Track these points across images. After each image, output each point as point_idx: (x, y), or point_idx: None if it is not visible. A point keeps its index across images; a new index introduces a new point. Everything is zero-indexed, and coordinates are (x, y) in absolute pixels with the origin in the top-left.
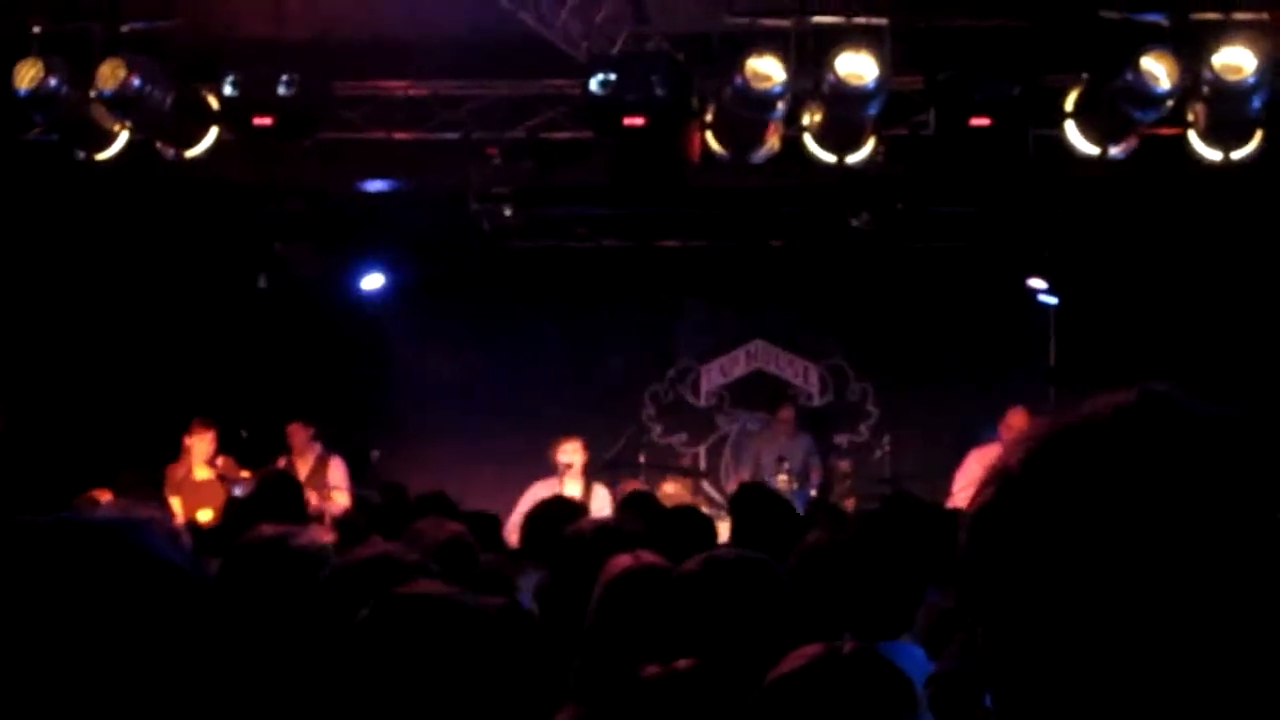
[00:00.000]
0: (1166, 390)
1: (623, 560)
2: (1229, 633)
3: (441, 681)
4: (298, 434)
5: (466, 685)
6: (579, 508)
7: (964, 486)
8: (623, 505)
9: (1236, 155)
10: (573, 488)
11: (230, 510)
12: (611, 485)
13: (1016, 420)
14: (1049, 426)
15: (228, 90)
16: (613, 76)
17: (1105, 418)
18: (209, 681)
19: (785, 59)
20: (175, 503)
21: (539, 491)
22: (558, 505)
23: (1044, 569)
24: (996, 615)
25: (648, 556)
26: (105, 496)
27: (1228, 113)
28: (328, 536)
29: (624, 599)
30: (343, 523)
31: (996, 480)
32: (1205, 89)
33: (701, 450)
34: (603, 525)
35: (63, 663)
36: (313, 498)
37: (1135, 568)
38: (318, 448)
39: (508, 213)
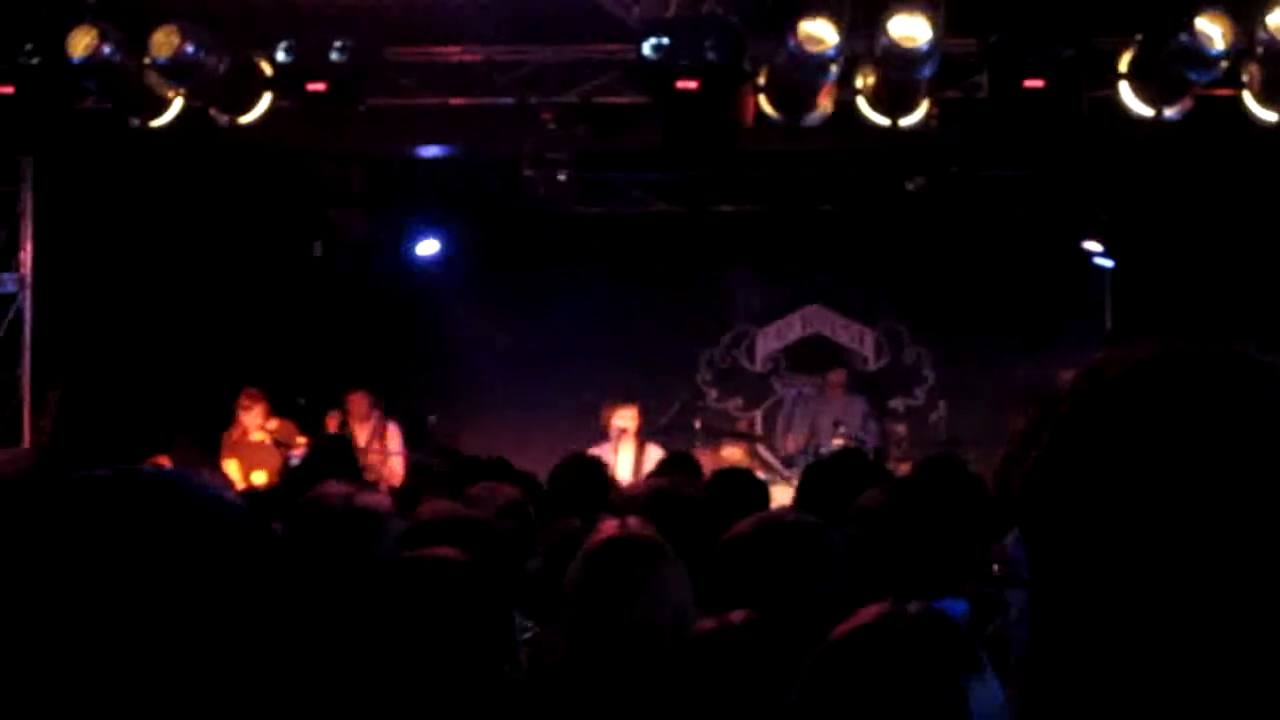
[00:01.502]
0: (1191, 344)
1: (610, 527)
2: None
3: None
4: (358, 402)
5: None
6: (602, 466)
7: None
8: (662, 468)
9: None
10: (626, 452)
11: (286, 475)
12: (666, 449)
13: None
14: (1093, 375)
15: (281, 56)
16: (666, 40)
17: (1151, 362)
18: (275, 623)
19: (838, 21)
20: (231, 466)
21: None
22: (579, 464)
23: (1102, 518)
24: (1054, 567)
25: (636, 525)
26: (162, 462)
27: None
28: (386, 502)
29: (610, 568)
30: (400, 490)
31: (1049, 429)
32: (1260, 49)
33: (757, 415)
34: (655, 489)
35: (133, 607)
36: (372, 462)
37: (1193, 511)
38: (378, 414)
39: (562, 178)
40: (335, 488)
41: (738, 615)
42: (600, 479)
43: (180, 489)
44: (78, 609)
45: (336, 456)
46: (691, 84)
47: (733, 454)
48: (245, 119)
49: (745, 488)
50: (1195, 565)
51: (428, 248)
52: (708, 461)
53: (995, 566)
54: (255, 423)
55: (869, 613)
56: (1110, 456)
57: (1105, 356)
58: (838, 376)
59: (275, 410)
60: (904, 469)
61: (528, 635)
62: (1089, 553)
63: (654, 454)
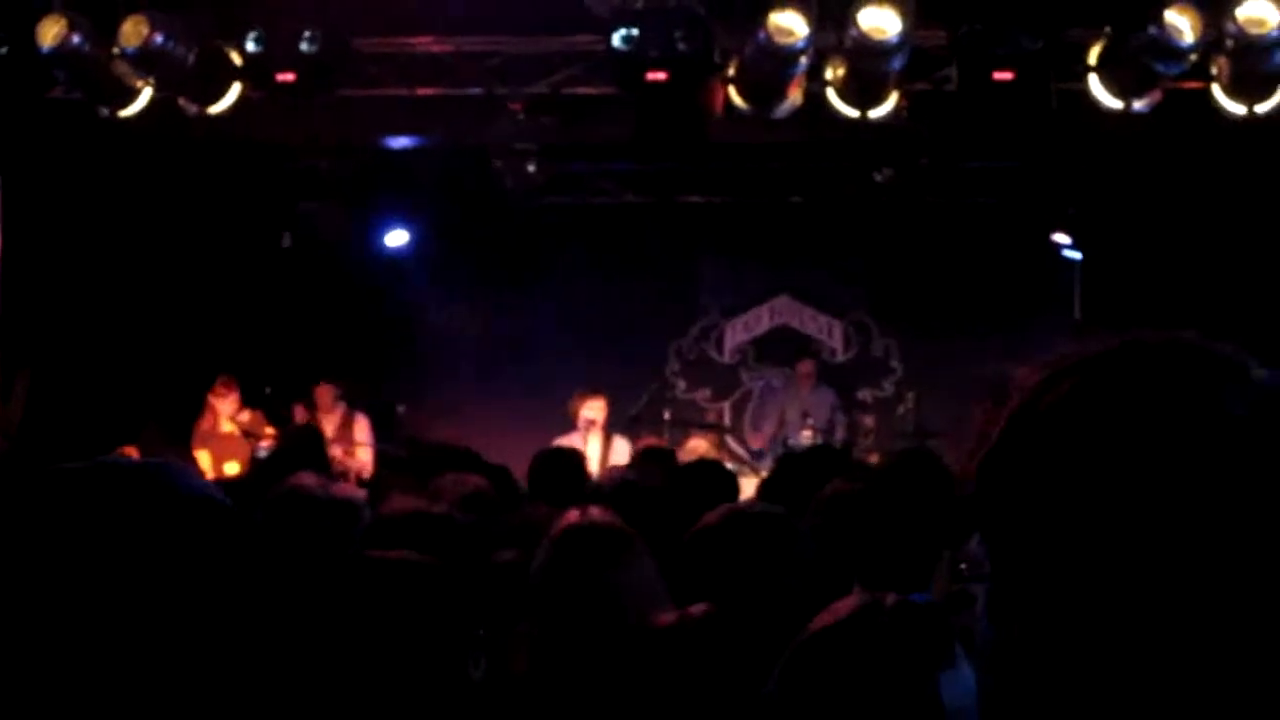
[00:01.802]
0: (1152, 335)
1: (572, 516)
2: (1232, 575)
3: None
4: (324, 394)
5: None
6: (578, 457)
7: None
8: (640, 459)
9: (1261, 109)
10: (594, 443)
11: (255, 466)
12: (632, 440)
13: None
14: (1050, 366)
15: (250, 46)
16: (635, 31)
17: (1101, 357)
18: (252, 611)
19: (808, 13)
20: (203, 456)
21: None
22: (557, 456)
23: (1052, 509)
24: (1008, 559)
25: (598, 514)
26: (131, 453)
27: (1252, 66)
28: (360, 493)
29: (571, 557)
30: (368, 481)
31: (1001, 422)
32: (1229, 42)
33: (726, 406)
34: (624, 480)
35: (112, 599)
36: (338, 454)
37: (1143, 506)
38: (343, 406)
39: (531, 169)
40: (310, 478)
41: (697, 608)
42: (578, 472)
43: (160, 480)
44: (59, 602)
45: (305, 448)
46: (661, 75)
47: (699, 445)
48: (215, 109)
49: (714, 479)
50: (1136, 562)
51: (397, 238)
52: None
53: (963, 565)
54: (228, 410)
55: (845, 605)
56: (1056, 452)
57: (1059, 352)
58: (806, 367)
59: (246, 401)
60: (872, 460)
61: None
62: (1035, 548)
63: (621, 446)
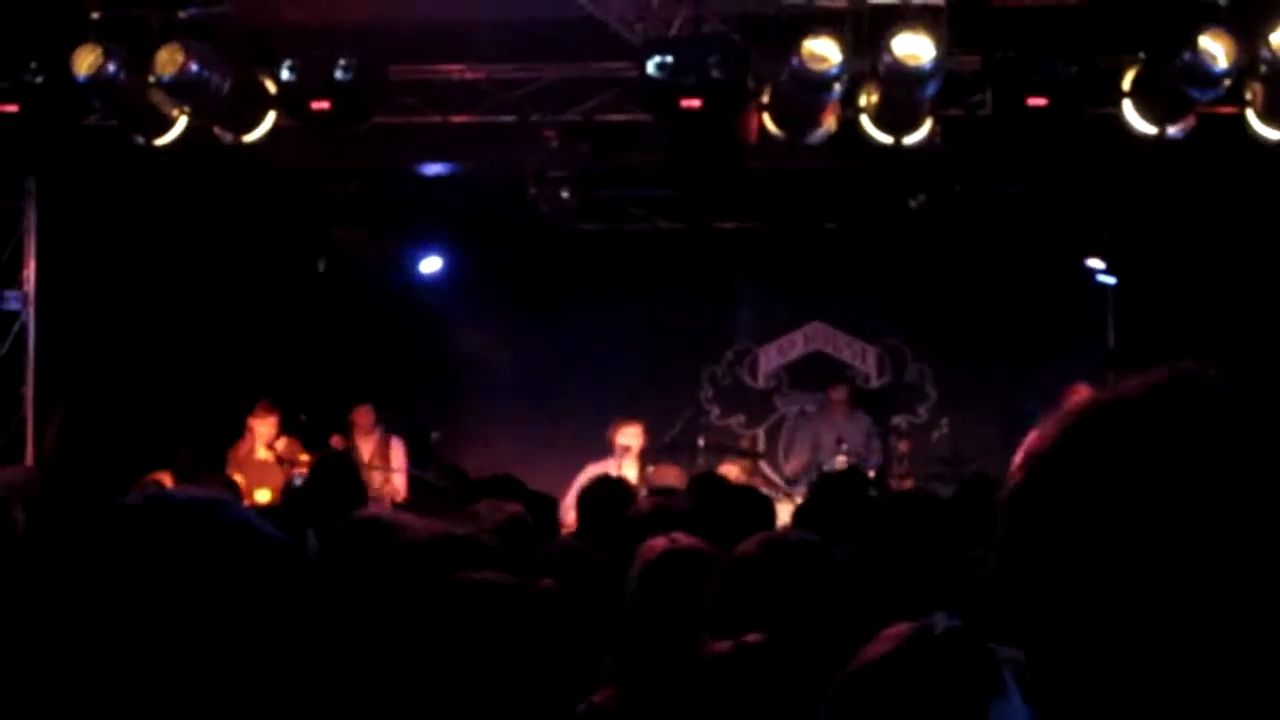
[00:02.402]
0: (1196, 368)
1: (659, 543)
2: (1257, 613)
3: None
4: (363, 416)
5: (509, 663)
6: (629, 486)
7: None
8: (691, 486)
9: None
10: (629, 471)
11: (289, 493)
12: (661, 465)
13: (1080, 397)
14: (1081, 407)
15: (285, 75)
16: (669, 59)
17: (1135, 396)
18: (311, 652)
19: (842, 40)
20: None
21: (593, 473)
22: (608, 485)
23: (1073, 549)
24: (1032, 594)
25: (684, 539)
26: (165, 479)
27: None
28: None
29: (661, 581)
30: (402, 506)
31: (1028, 460)
32: (1263, 68)
33: (760, 432)
34: (660, 505)
35: (169, 639)
36: (376, 479)
37: (1163, 548)
38: (380, 430)
39: (564, 195)
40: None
41: (753, 637)
42: (627, 500)
43: (212, 516)
44: (113, 639)
45: (339, 473)
46: (695, 102)
47: (731, 471)
48: (249, 137)
49: (751, 506)
50: (1160, 609)
51: (430, 265)
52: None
53: None
54: (267, 434)
55: (894, 633)
56: (1080, 488)
57: (1108, 386)
58: (839, 394)
59: (284, 425)
60: (907, 485)
61: None
62: (1054, 580)
63: (668, 476)
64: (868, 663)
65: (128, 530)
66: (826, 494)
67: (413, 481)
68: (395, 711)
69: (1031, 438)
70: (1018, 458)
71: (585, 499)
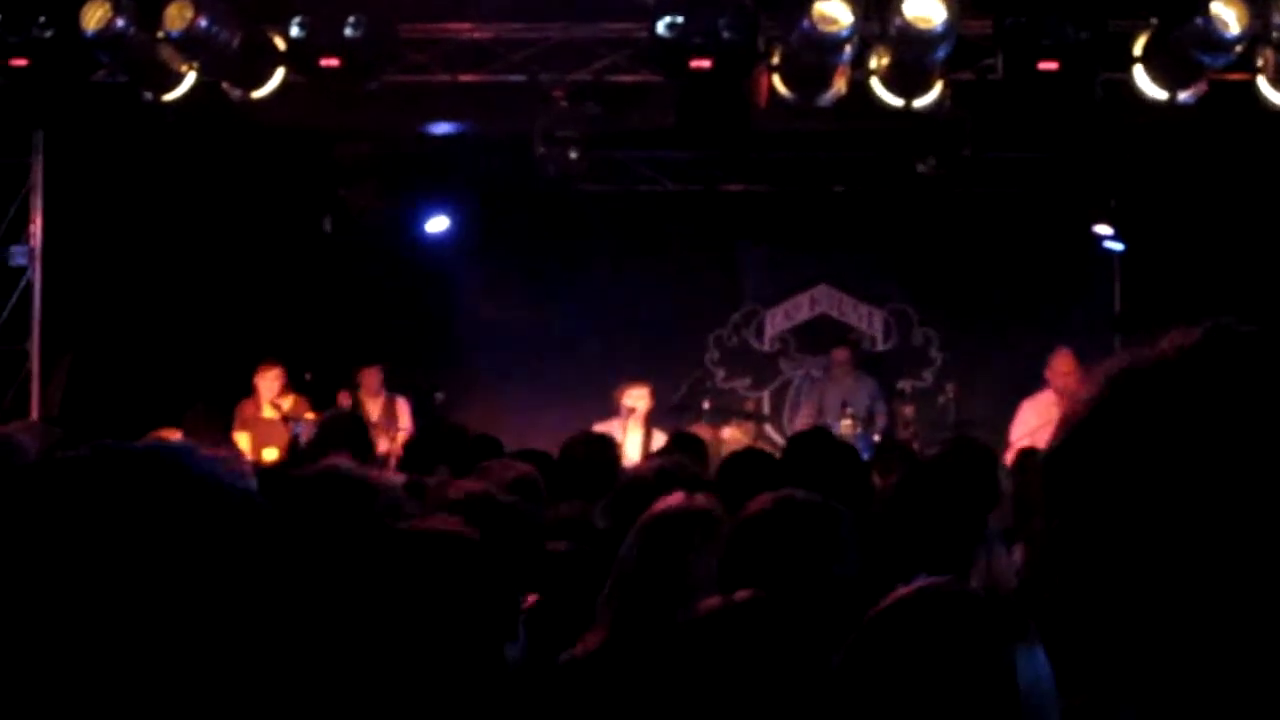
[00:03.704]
0: (1233, 324)
1: (675, 499)
2: None
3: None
4: (370, 377)
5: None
6: (612, 443)
7: (1020, 436)
8: (674, 445)
9: None
10: (634, 432)
11: (294, 450)
12: (668, 433)
13: (1061, 363)
14: (1117, 367)
15: (295, 31)
16: (680, 19)
17: (1172, 356)
18: (264, 599)
19: (853, 2)
20: (243, 439)
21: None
22: (589, 441)
23: (1116, 513)
24: (1072, 559)
25: (701, 499)
26: (173, 435)
27: None
28: (398, 478)
29: (669, 538)
30: (403, 462)
31: (1066, 424)
32: (1275, 34)
33: (765, 395)
34: (663, 468)
35: (115, 587)
36: (382, 440)
37: (1209, 507)
38: (386, 390)
39: (573, 156)
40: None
41: (743, 594)
42: (611, 458)
43: (166, 466)
44: (60, 593)
45: (346, 432)
46: (705, 63)
47: (734, 434)
48: (258, 94)
49: (759, 468)
50: (1205, 569)
51: (437, 224)
52: (710, 441)
53: None
54: (272, 389)
55: (918, 584)
56: (1127, 449)
57: (1124, 353)
58: (841, 355)
59: (287, 385)
60: (912, 449)
61: None
62: (1102, 543)
63: (659, 440)
64: (890, 605)
65: (71, 481)
66: (800, 456)
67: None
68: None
69: (1045, 404)
70: (1030, 425)
71: (565, 454)
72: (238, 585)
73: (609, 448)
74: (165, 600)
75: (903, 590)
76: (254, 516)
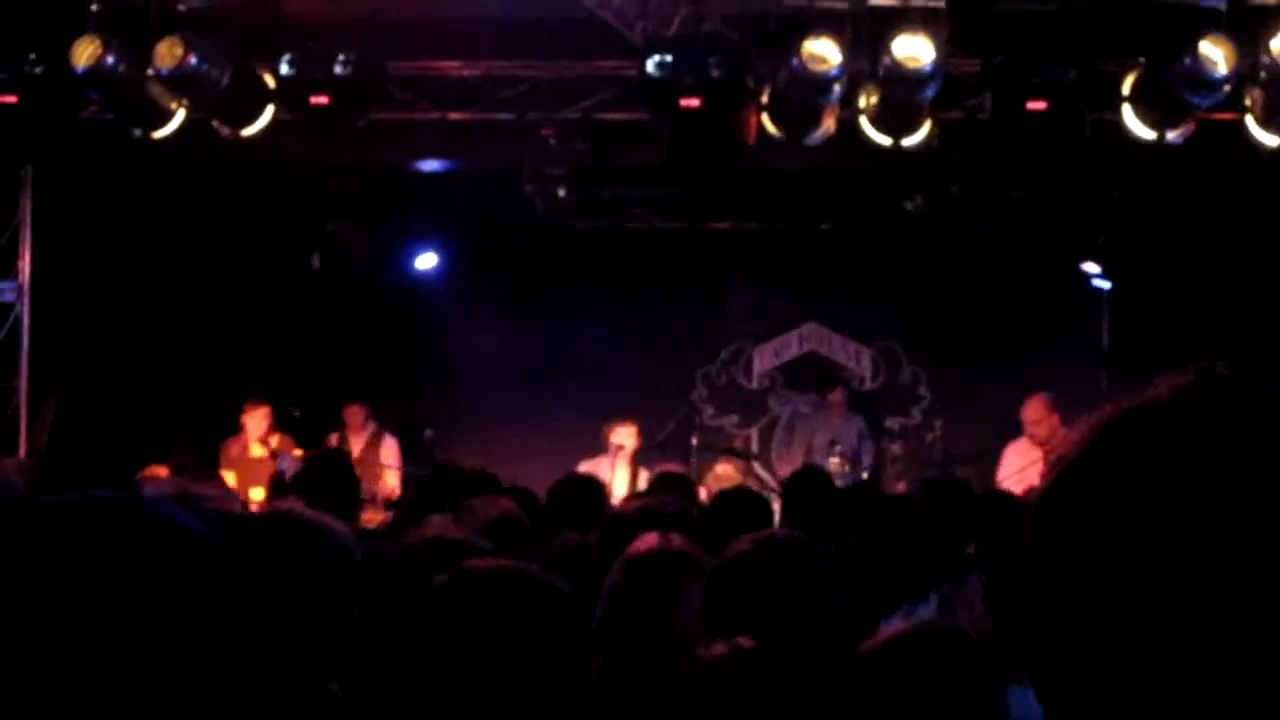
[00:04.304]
0: (1222, 370)
1: (649, 540)
2: None
3: (508, 653)
4: (354, 414)
5: (532, 657)
6: (600, 484)
7: (1006, 477)
8: (656, 485)
9: None
10: (621, 470)
11: (278, 488)
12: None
13: (1032, 411)
14: (1107, 412)
15: (284, 69)
16: (669, 58)
17: (1162, 401)
18: (228, 642)
19: (842, 41)
20: (229, 478)
21: (584, 471)
22: (581, 482)
23: (1103, 556)
24: (1060, 600)
25: (676, 540)
26: (161, 472)
27: None
28: (379, 517)
29: (647, 579)
30: (395, 503)
31: (1053, 470)
32: (1263, 74)
33: (753, 432)
34: (646, 507)
35: (82, 630)
36: (367, 478)
37: (1193, 552)
38: (372, 427)
39: (562, 193)
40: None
41: (745, 640)
42: (598, 498)
43: (134, 515)
44: (29, 636)
45: (331, 470)
46: (694, 101)
47: (726, 471)
48: (248, 131)
49: (748, 507)
50: (1190, 612)
51: (426, 261)
52: (701, 480)
53: None
54: (260, 428)
55: (898, 627)
56: (1112, 494)
57: (1116, 398)
58: (837, 396)
59: (276, 420)
60: (900, 488)
61: None
62: (1086, 586)
63: (646, 478)
64: (884, 642)
65: (32, 530)
66: (798, 495)
67: (406, 479)
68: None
69: (1025, 449)
70: (1014, 468)
71: (554, 495)
72: (194, 626)
73: (596, 488)
74: (128, 641)
75: (892, 628)
76: (213, 560)
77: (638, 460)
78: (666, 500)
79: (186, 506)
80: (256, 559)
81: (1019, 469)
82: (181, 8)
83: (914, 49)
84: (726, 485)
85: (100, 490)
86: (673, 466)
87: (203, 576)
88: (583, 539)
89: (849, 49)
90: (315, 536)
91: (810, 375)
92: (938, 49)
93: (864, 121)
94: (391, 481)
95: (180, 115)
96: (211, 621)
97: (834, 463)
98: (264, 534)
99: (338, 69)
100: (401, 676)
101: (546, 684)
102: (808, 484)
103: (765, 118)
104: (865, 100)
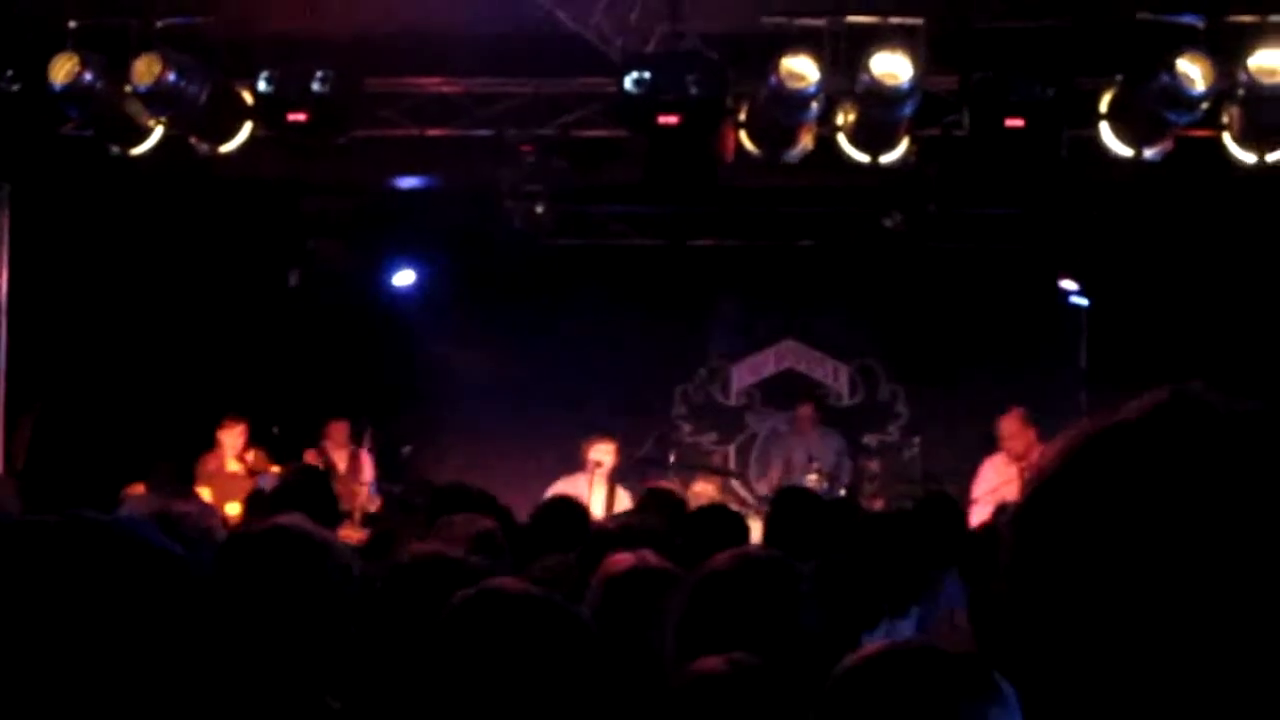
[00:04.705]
0: (1197, 390)
1: (624, 560)
2: (1262, 632)
3: (525, 677)
4: (339, 431)
5: (551, 681)
6: (582, 507)
7: (983, 493)
8: (644, 501)
9: (1271, 158)
10: (599, 487)
11: (255, 504)
12: (632, 489)
13: (1007, 426)
14: (1083, 430)
15: (262, 86)
16: (647, 75)
17: (1136, 419)
18: (204, 664)
19: (820, 58)
20: (205, 493)
21: (562, 488)
22: (565, 507)
23: (1078, 571)
24: (1035, 615)
25: (651, 558)
26: (139, 490)
27: (1263, 115)
28: (358, 534)
29: (623, 599)
30: (374, 518)
31: (1030, 487)
32: (1240, 91)
33: (731, 449)
34: (628, 524)
35: (64, 646)
36: (347, 494)
37: (1168, 569)
38: (353, 444)
39: (540, 210)
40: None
41: (740, 656)
42: (581, 521)
43: (116, 538)
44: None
45: (310, 487)
46: (673, 119)
47: (705, 489)
48: (225, 148)
49: (724, 524)
50: (1166, 630)
51: (405, 278)
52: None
53: None
54: (236, 445)
55: (876, 648)
56: (1085, 513)
57: (1113, 411)
58: (805, 410)
59: (252, 439)
60: (878, 505)
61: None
62: (1061, 604)
63: (624, 496)
64: (863, 660)
65: (33, 544)
66: (784, 513)
67: (384, 496)
68: None
69: (1001, 465)
70: (991, 484)
71: (536, 519)
72: (166, 647)
73: (579, 512)
74: (104, 661)
75: (872, 647)
76: (184, 584)
77: (615, 477)
78: (647, 519)
79: (166, 525)
80: (259, 572)
81: (995, 484)
82: (160, 25)
83: (892, 66)
84: (704, 503)
85: (79, 511)
86: (663, 483)
87: (177, 598)
88: (565, 559)
89: (827, 66)
90: (319, 550)
91: (788, 393)
92: (915, 66)
93: (842, 139)
94: (368, 497)
95: (158, 132)
96: (185, 642)
97: (812, 480)
98: (268, 547)
99: (316, 86)
100: (411, 691)
101: (563, 712)
102: (793, 501)
103: (743, 135)
104: (843, 118)
